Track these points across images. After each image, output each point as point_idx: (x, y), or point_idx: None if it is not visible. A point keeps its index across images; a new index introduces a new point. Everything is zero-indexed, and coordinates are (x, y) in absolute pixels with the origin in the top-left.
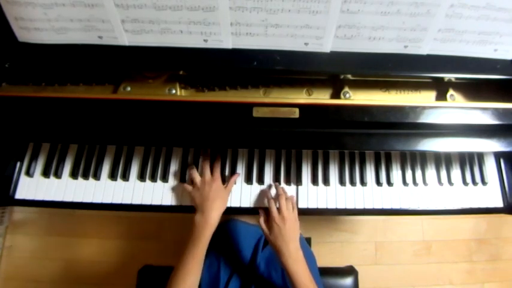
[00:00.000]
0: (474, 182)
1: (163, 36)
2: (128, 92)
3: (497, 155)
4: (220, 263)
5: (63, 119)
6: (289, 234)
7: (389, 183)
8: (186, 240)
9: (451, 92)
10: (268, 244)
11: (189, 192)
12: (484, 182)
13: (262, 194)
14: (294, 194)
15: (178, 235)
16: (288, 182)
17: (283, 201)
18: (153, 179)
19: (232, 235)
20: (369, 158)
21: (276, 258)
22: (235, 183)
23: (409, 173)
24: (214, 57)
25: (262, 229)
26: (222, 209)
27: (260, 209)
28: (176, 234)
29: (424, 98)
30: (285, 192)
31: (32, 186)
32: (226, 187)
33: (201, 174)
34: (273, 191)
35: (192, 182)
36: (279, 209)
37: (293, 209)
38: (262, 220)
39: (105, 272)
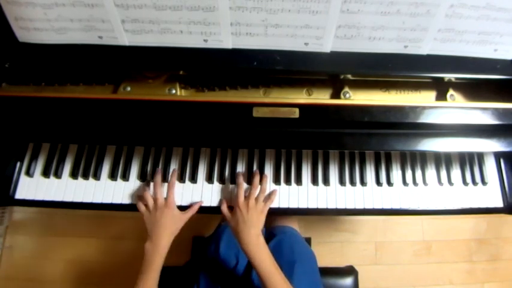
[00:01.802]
0: (474, 182)
1: (163, 36)
2: (128, 92)
3: (497, 155)
4: (219, 264)
5: (63, 119)
6: (251, 221)
7: (389, 183)
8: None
9: (451, 92)
10: (267, 244)
11: (141, 214)
12: (484, 182)
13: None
14: (295, 194)
15: (178, 235)
16: (288, 182)
17: (253, 191)
18: (153, 179)
19: (231, 235)
20: (369, 158)
21: (274, 257)
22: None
23: (409, 173)
24: (214, 57)
25: (224, 214)
26: (172, 236)
27: (224, 199)
28: (176, 234)
29: (424, 98)
30: (264, 185)
31: (32, 186)
32: (184, 214)
33: (155, 199)
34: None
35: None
36: (247, 196)
37: (265, 202)
38: (224, 206)
39: (105, 272)
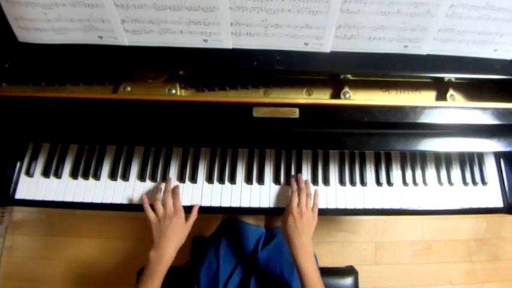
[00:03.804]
0: (474, 182)
1: (163, 36)
2: (128, 92)
3: (497, 155)
4: (219, 264)
5: (63, 119)
6: (303, 227)
7: (389, 183)
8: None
9: (451, 92)
10: (267, 244)
11: (150, 222)
12: (484, 182)
13: (263, 194)
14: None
15: None
16: (288, 182)
17: (303, 196)
18: (153, 179)
19: (232, 235)
20: (369, 158)
21: (275, 257)
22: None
23: (409, 173)
24: (214, 57)
25: (282, 219)
26: (178, 246)
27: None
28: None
29: (424, 98)
30: (308, 190)
31: (32, 186)
32: (187, 222)
33: (164, 207)
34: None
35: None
36: (299, 203)
37: (314, 207)
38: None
39: (105, 272)
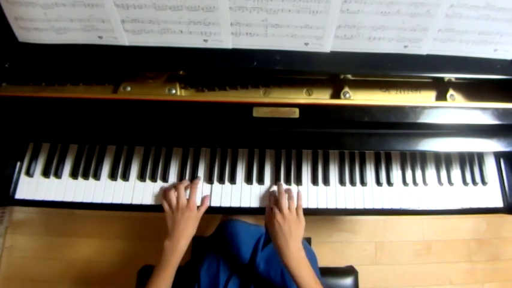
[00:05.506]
0: (474, 182)
1: (163, 36)
2: (128, 92)
3: (497, 155)
4: (219, 263)
5: (63, 119)
6: (290, 233)
7: (389, 183)
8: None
9: (451, 92)
10: (268, 244)
11: (165, 213)
12: (484, 182)
13: (263, 194)
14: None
15: None
16: (288, 182)
17: (283, 201)
18: (153, 179)
19: (232, 235)
20: (369, 158)
21: (275, 257)
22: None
23: (409, 173)
24: (214, 57)
25: (266, 227)
26: (190, 237)
27: (267, 206)
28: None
29: (424, 98)
30: (290, 193)
31: (32, 186)
32: (199, 212)
33: (177, 199)
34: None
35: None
36: (280, 208)
37: (297, 209)
38: (266, 217)
39: (105, 272)
